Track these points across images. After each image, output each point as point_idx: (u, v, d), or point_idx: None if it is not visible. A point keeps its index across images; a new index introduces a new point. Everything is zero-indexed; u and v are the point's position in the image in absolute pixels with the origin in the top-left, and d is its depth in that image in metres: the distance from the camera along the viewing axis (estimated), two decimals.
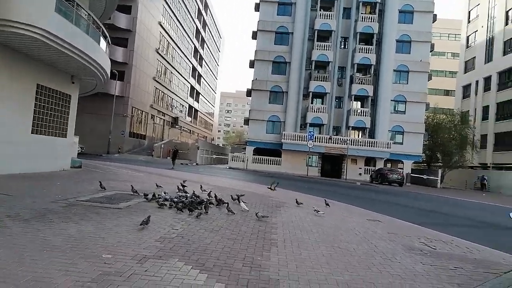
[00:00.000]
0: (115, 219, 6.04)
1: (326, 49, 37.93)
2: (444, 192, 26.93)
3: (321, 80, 37.92)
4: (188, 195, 8.97)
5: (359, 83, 37.83)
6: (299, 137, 36.23)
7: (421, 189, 28.37)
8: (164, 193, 8.92)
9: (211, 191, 10.23)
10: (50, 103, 12.68)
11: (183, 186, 10.56)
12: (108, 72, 14.67)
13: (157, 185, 10.94)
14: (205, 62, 75.52)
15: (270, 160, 37.59)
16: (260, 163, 37.48)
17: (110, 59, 35.68)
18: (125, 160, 28.91)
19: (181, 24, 55.73)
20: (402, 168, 36.72)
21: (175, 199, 8.11)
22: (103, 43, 13.49)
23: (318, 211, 8.75)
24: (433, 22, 39.45)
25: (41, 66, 11.87)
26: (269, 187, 13.97)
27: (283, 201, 10.82)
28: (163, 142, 46.60)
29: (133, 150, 42.03)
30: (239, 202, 8.83)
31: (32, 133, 11.93)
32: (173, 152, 27.96)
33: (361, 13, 38.54)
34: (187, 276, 3.75)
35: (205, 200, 8.35)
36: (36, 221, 5.42)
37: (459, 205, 17.41)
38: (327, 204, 10.34)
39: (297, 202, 10.09)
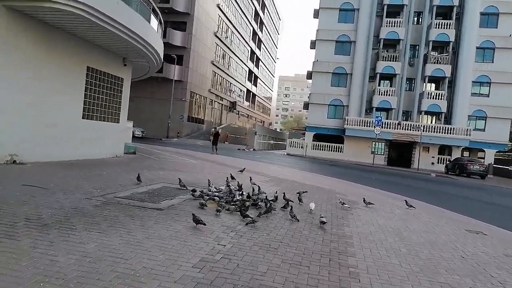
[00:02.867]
0: (151, 226, 4.88)
1: (397, 26, 34.38)
2: None
3: (390, 60, 34.65)
4: (238, 193, 7.40)
5: (434, 63, 33.93)
6: (364, 123, 33.55)
7: (508, 183, 24.65)
8: (216, 188, 7.71)
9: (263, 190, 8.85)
10: (101, 87, 12.10)
11: (233, 178, 9.32)
12: (161, 53, 13.79)
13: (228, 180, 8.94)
14: (264, 45, 73.97)
15: (331, 147, 35.44)
16: (320, 149, 35.51)
17: (169, 43, 35.57)
18: (182, 145, 28.73)
19: (239, 6, 54.54)
20: (483, 158, 32.59)
21: (225, 198, 6.83)
22: (154, 22, 12.55)
23: (344, 204, 7.72)
24: None
25: (90, 47, 11.23)
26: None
27: (353, 200, 9.13)
28: (221, 126, 46.35)
29: (192, 135, 42.23)
30: (300, 201, 7.47)
31: (83, 118, 11.42)
32: (213, 134, 22.74)
33: None
34: None
35: (263, 201, 6.88)
36: (56, 228, 4.42)
37: None
38: (410, 206, 8.51)
39: (365, 201, 8.31)
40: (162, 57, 14.36)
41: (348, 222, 6.40)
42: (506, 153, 36.85)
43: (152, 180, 8.73)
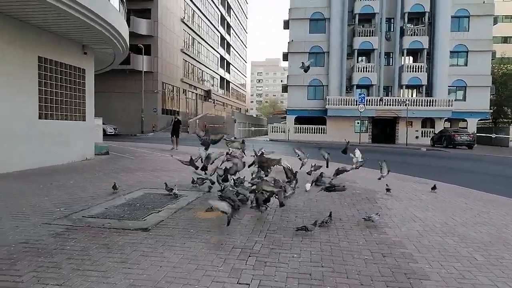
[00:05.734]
0: (136, 262, 3.42)
1: None
2: None
3: (367, 35, 33.67)
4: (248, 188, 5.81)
5: (411, 35, 33.18)
6: (346, 101, 32.64)
7: (494, 151, 24.41)
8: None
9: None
10: (59, 80, 10.27)
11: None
12: (127, 38, 11.99)
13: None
14: (233, 30, 71.70)
15: (314, 129, 34.47)
16: (303, 132, 34.47)
17: (134, 32, 33.16)
18: (159, 139, 26.86)
19: None
20: (466, 127, 32.40)
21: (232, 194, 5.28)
22: (115, 1, 10.74)
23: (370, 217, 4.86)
24: None
25: (40, 33, 9.37)
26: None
27: (367, 188, 7.94)
28: (197, 117, 44.47)
29: (168, 128, 40.10)
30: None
31: (40, 118, 9.62)
32: (173, 123, 17.46)
33: None
34: None
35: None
36: None
37: None
38: (433, 188, 7.44)
39: (387, 189, 7.20)
40: (128, 43, 12.56)
41: (385, 221, 5.13)
42: (487, 121, 36.96)
43: (130, 186, 7.19)
